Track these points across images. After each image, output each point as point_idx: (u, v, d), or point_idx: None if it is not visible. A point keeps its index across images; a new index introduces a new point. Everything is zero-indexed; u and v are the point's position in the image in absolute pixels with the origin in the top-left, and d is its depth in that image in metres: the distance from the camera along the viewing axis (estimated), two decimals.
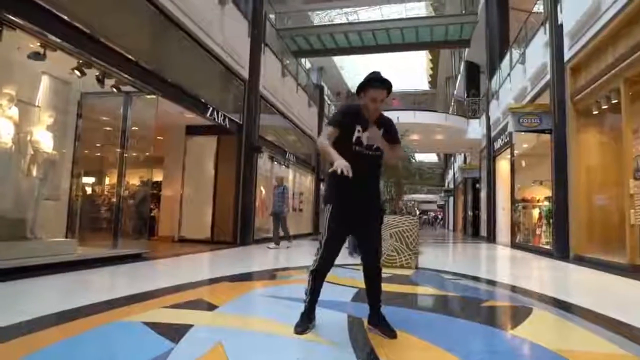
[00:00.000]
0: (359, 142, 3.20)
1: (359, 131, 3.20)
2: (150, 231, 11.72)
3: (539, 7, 14.48)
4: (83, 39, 6.92)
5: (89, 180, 9.45)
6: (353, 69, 32.77)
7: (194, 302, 4.35)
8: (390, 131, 3.35)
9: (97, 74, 7.52)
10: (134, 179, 10.09)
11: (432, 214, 65.53)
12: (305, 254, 11.54)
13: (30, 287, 5.02)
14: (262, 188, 15.42)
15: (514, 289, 5.89)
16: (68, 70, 7.11)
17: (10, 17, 5.73)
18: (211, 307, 4.12)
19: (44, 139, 6.94)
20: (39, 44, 6.41)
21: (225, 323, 3.61)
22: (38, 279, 5.45)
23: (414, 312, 4.32)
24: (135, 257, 7.88)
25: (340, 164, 2.85)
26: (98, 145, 9.12)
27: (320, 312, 3.55)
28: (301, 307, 3.44)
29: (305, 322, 3.32)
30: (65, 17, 6.54)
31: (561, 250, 10.48)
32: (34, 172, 6.89)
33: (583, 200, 10.21)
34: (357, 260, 7.59)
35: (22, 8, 5.90)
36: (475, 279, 6.78)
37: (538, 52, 12.69)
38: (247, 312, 4.16)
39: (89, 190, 9.52)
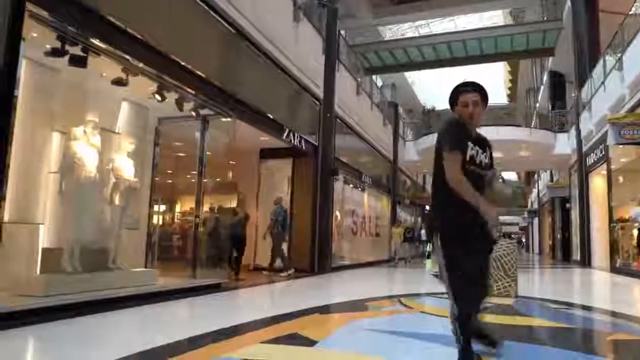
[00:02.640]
0: (473, 160, 3.05)
1: (472, 148, 3.06)
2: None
3: (636, 9, 14.05)
4: (163, 62, 7.01)
5: (165, 207, 9.53)
6: (426, 85, 32.28)
7: (291, 336, 4.26)
8: (491, 153, 3.22)
9: (176, 97, 7.61)
10: (211, 206, 10.09)
11: (515, 236, 62.79)
12: (392, 282, 11.59)
13: (118, 320, 5.04)
14: (337, 213, 15.23)
15: (627, 317, 5.71)
16: (148, 95, 7.21)
17: (96, 42, 5.82)
18: (310, 342, 4.01)
19: (124, 166, 7.01)
20: (120, 69, 6.50)
21: None
22: (122, 311, 5.44)
23: (520, 345, 4.03)
24: (215, 288, 7.86)
25: (492, 216, 2.81)
26: (170, 172, 9.16)
27: (426, 346, 3.50)
28: (404, 341, 3.55)
29: None
30: (146, 40, 6.60)
31: None
32: (116, 201, 6.93)
33: None
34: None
35: (105, 32, 5.98)
36: (586, 308, 6.63)
37: (637, 57, 12.24)
38: (352, 347, 4.03)
39: (165, 218, 9.60)
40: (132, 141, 7.15)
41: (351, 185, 16.84)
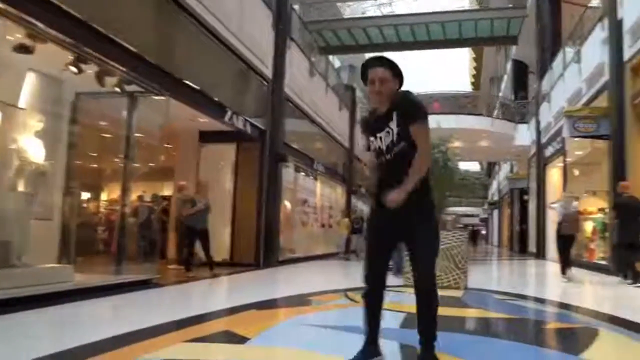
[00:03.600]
0: (379, 152, 3.07)
1: (372, 141, 3.11)
2: (160, 254, 11.15)
3: (596, 1, 14.36)
4: (80, 29, 6.44)
5: (84, 196, 8.94)
6: None
7: (219, 334, 4.27)
8: (406, 114, 2.95)
9: (96, 70, 7.04)
10: (139, 193, 9.53)
11: (472, 228, 64.13)
12: (342, 275, 11.77)
13: (20, 323, 4.65)
14: (286, 202, 14.93)
15: (572, 308, 6.24)
16: (61, 67, 6.61)
17: None
18: (241, 339, 3.95)
19: (31, 147, 6.41)
20: (25, 34, 5.88)
21: (261, 357, 3.58)
22: (29, 312, 5.03)
23: (469, 337, 4.38)
24: (144, 284, 7.54)
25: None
26: (94, 154, 8.62)
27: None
28: (343, 335, 3.64)
29: (365, 354, 3.08)
30: (57, 2, 5.98)
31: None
32: (21, 187, 6.36)
33: None
34: (399, 281, 8.01)
35: None
36: (531, 299, 7.20)
37: (595, 51, 12.62)
38: (284, 343, 3.99)
39: (85, 207, 9.01)
40: (41, 118, 6.54)
41: (302, 173, 16.53)
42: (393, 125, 2.96)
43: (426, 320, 3.00)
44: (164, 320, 4.72)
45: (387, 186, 2.95)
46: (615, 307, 6.74)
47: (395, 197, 2.87)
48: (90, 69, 6.92)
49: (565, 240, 9.82)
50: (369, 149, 3.16)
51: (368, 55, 28.75)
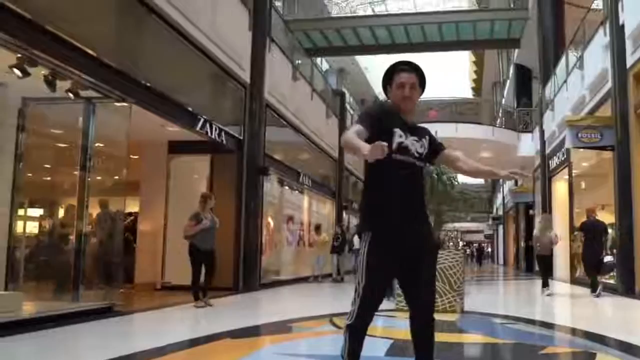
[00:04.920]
0: (402, 149, 3.01)
1: (400, 136, 3.02)
2: (126, 277, 10.95)
3: (597, 3, 14.57)
4: (25, 27, 6.21)
5: (36, 212, 8.68)
6: (381, 71, 31.99)
7: None
8: (433, 141, 3.25)
9: (45, 73, 6.85)
10: (98, 210, 9.26)
11: (476, 245, 63.98)
12: (326, 300, 11.78)
13: None
14: (270, 219, 14.91)
15: (574, 331, 6.41)
16: (4, 69, 6.43)
17: None
18: None
19: None
20: None
21: None
22: None
23: None
24: (105, 312, 7.41)
25: (373, 147, 2.54)
26: (47, 166, 8.40)
27: None
28: None
29: None
30: None
31: (626, 285, 10.77)
32: None
33: None
34: (390, 304, 7.95)
35: None
36: (531, 322, 7.30)
37: (597, 56, 12.80)
38: None
39: (36, 226, 8.75)
40: None
41: (287, 187, 16.31)
42: (425, 142, 3.16)
43: (430, 351, 3.07)
44: (122, 352, 4.64)
45: (401, 204, 2.98)
46: (610, 328, 6.91)
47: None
48: (39, 72, 6.72)
49: (543, 260, 12.10)
50: (371, 129, 2.96)
51: (358, 57, 29.01)
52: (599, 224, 11.10)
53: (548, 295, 11.32)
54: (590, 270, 11.16)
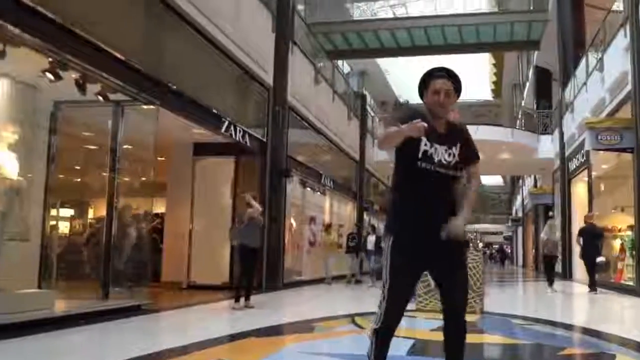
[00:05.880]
0: (426, 157, 2.99)
1: (425, 144, 3.00)
2: (153, 276, 11.16)
3: (618, 5, 14.43)
4: (56, 32, 6.30)
5: (67, 213, 8.83)
6: (402, 74, 31.97)
7: None
8: (467, 144, 3.15)
9: (76, 77, 6.95)
10: (127, 210, 9.39)
11: (497, 246, 63.48)
12: (348, 299, 11.73)
13: None
14: (292, 220, 14.98)
15: (593, 333, 6.34)
16: (36, 72, 6.54)
17: None
18: None
19: (3, 161, 6.28)
20: None
21: None
22: (3, 343, 4.94)
23: None
24: (134, 311, 7.48)
25: (412, 124, 2.68)
26: (78, 168, 8.54)
27: None
28: None
29: None
30: (31, 3, 5.87)
31: None
32: None
33: None
34: (411, 305, 7.50)
35: None
36: (550, 323, 7.28)
37: (617, 58, 12.74)
38: None
39: (67, 226, 8.90)
40: (15, 130, 6.44)
41: (309, 189, 16.34)
42: (455, 151, 3.09)
43: (461, 353, 3.06)
44: (151, 350, 4.71)
45: (422, 212, 2.96)
46: (630, 330, 6.89)
47: (460, 228, 2.95)
48: (70, 76, 6.83)
49: (550, 260, 13.64)
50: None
51: (379, 60, 28.98)
52: (596, 229, 12.42)
53: (552, 292, 12.64)
54: (588, 269, 12.33)
